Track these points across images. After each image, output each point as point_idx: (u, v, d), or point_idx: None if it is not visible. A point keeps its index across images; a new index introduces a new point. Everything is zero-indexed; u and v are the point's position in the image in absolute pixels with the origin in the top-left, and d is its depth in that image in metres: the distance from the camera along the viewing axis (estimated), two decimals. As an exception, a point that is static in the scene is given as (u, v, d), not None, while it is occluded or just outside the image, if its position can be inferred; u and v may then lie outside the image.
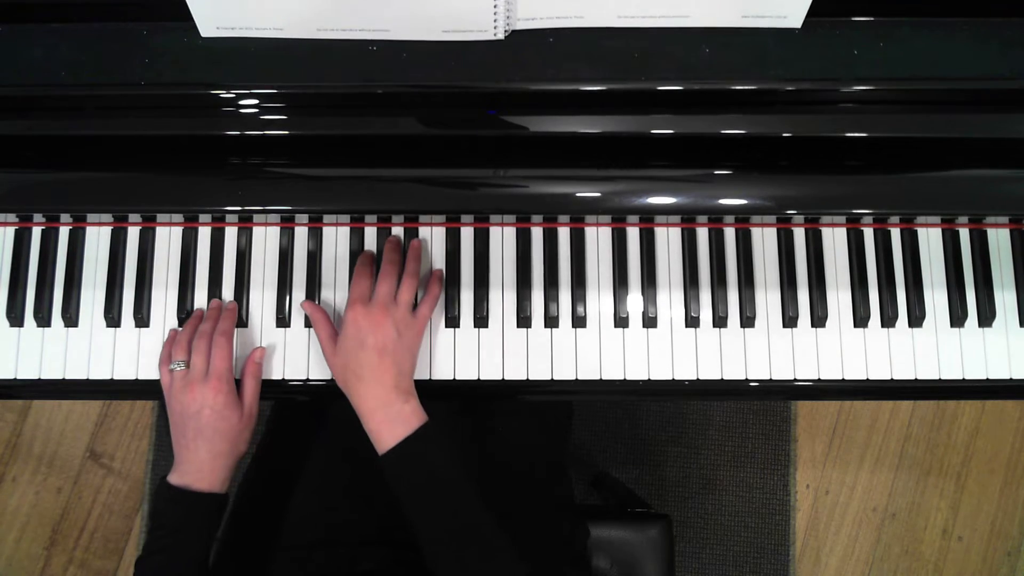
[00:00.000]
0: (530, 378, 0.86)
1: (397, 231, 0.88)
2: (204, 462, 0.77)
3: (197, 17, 0.68)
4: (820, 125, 0.73)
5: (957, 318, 0.87)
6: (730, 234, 0.88)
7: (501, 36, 0.69)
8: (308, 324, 0.87)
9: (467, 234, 0.88)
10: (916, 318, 0.87)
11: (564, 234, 0.88)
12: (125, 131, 0.74)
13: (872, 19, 0.70)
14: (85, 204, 0.80)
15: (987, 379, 0.87)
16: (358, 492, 0.91)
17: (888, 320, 0.87)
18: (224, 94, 0.71)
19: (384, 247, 0.85)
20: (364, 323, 0.78)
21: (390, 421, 0.76)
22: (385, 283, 0.80)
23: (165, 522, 0.76)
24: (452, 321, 0.87)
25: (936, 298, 0.88)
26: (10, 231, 0.88)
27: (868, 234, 0.88)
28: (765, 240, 0.88)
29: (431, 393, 0.83)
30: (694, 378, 0.86)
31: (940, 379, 0.87)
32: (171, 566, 0.75)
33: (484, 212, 0.85)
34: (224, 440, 0.78)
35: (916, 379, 0.86)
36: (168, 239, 0.88)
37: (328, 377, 0.86)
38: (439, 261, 0.88)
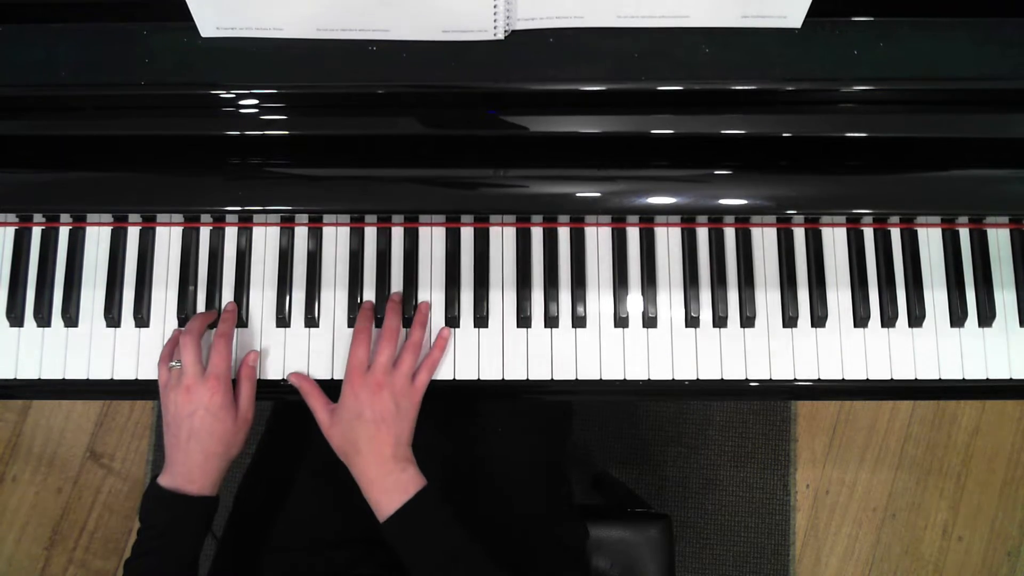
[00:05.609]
0: (530, 378, 0.86)
1: (397, 231, 0.88)
2: (196, 464, 0.77)
3: (197, 17, 0.68)
4: (820, 125, 0.73)
5: (957, 318, 0.87)
6: (730, 234, 0.88)
7: (501, 36, 0.69)
8: (308, 324, 0.87)
9: (467, 234, 0.88)
10: (916, 318, 0.87)
11: (564, 234, 0.88)
12: (125, 131, 0.74)
13: (872, 19, 0.70)
14: (85, 204, 0.80)
15: (987, 379, 0.86)
16: (353, 496, 0.91)
17: (888, 320, 0.87)
18: (224, 94, 0.71)
19: (386, 309, 0.84)
20: (362, 394, 0.78)
21: (388, 490, 0.76)
22: (385, 352, 0.80)
23: (154, 524, 0.76)
24: (452, 321, 0.86)
25: (936, 298, 0.88)
26: (10, 231, 0.88)
27: (868, 234, 0.88)
28: (765, 240, 0.88)
29: (431, 393, 0.83)
30: (694, 378, 0.86)
31: (940, 379, 0.86)
32: (160, 568, 0.75)
33: (484, 212, 0.85)
34: (218, 442, 0.78)
35: (916, 379, 0.86)
36: (168, 239, 0.88)
37: (326, 376, 0.86)
38: (439, 261, 0.88)
